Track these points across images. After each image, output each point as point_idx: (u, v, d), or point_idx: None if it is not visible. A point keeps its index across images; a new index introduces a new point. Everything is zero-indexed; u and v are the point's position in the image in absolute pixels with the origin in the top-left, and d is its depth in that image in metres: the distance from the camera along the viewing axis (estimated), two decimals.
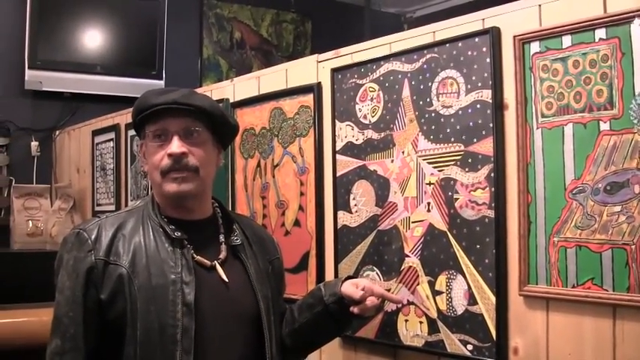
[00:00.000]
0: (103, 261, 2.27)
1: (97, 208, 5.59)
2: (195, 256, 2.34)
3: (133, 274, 2.26)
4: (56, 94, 6.17)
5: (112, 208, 5.29)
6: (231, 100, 3.89)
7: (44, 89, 6.09)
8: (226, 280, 2.34)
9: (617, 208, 2.22)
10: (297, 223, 3.41)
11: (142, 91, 6.13)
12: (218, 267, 2.36)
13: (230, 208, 3.75)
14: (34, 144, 6.20)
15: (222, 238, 2.44)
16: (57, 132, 6.25)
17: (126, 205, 5.08)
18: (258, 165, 3.66)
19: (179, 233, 2.34)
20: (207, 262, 2.35)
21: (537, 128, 2.42)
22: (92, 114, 5.81)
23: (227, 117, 2.45)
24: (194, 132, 2.34)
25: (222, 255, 2.40)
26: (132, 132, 4.99)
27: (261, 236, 2.64)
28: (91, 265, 2.26)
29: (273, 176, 3.56)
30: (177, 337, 2.21)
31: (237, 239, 2.45)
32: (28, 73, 6.03)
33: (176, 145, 2.29)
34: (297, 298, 3.29)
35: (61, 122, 6.24)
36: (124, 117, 5.15)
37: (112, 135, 5.33)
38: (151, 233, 2.34)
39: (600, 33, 2.27)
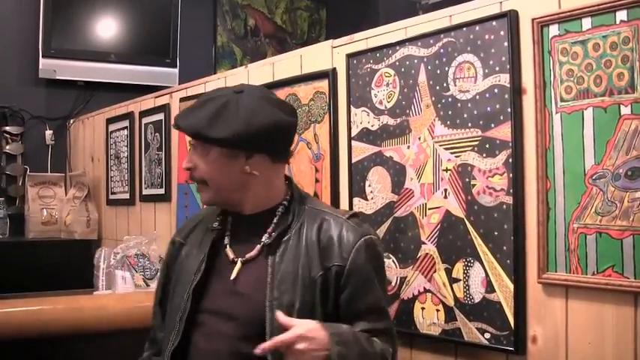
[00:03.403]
0: (179, 242, 2.58)
1: (112, 197, 5.58)
2: (227, 248, 2.42)
3: (180, 257, 2.53)
4: (70, 82, 6.14)
5: (127, 196, 5.28)
6: None
7: (58, 78, 6.05)
8: (232, 277, 2.35)
9: (639, 194, 2.17)
10: None
11: (156, 79, 6.21)
12: (238, 264, 2.36)
13: None
14: (49, 132, 6.18)
15: (264, 235, 2.38)
16: (71, 120, 6.23)
17: (140, 193, 5.09)
18: None
19: (217, 224, 2.46)
20: (231, 257, 2.39)
21: (556, 113, 2.38)
22: (106, 102, 5.79)
23: (205, 133, 2.28)
24: (197, 145, 2.38)
25: (253, 253, 2.37)
26: (146, 120, 4.97)
27: (330, 238, 2.32)
28: (171, 243, 2.62)
29: (288, 163, 3.51)
30: (177, 319, 2.37)
31: (268, 238, 2.36)
32: (42, 62, 6.00)
33: (185, 160, 2.43)
34: None
35: (75, 111, 6.22)
36: (138, 105, 5.13)
37: (126, 123, 5.31)
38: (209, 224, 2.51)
39: (621, 15, 2.22)
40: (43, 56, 5.98)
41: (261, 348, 2.09)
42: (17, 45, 6.05)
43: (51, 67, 6.00)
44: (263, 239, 2.36)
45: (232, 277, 2.34)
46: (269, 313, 2.24)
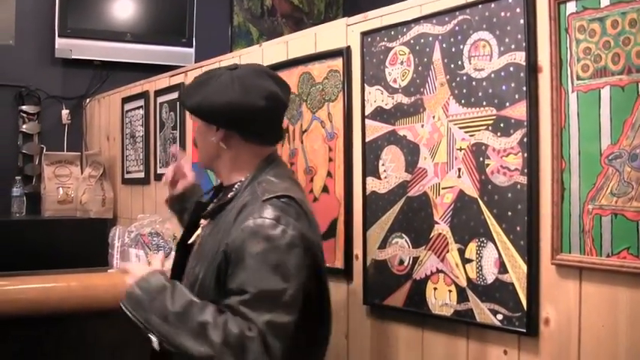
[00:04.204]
0: None
1: (127, 176, 5.58)
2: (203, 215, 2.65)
3: None
4: (86, 62, 6.14)
5: (142, 175, 5.28)
6: None
7: (74, 57, 6.05)
8: (190, 241, 2.65)
9: None
10: (325, 189, 3.35)
11: (172, 58, 6.21)
12: (199, 230, 2.62)
13: None
14: (65, 112, 6.18)
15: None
16: (87, 100, 6.23)
17: (155, 172, 5.10)
18: (287, 131, 3.60)
19: (207, 196, 2.78)
20: (201, 223, 2.64)
21: (572, 91, 2.33)
22: (122, 82, 5.78)
23: (183, 99, 2.67)
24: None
25: (204, 222, 2.61)
26: (161, 99, 4.95)
27: (238, 218, 2.37)
28: None
29: (302, 142, 3.50)
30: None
31: (209, 211, 2.60)
32: (58, 42, 6.00)
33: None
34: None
35: (92, 90, 6.21)
36: (153, 84, 5.12)
37: (141, 102, 5.30)
38: None
39: None
40: (59, 36, 5.98)
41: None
42: (33, 25, 6.05)
43: (67, 46, 6.00)
44: (209, 210, 2.60)
45: (190, 241, 2.65)
46: (185, 280, 2.50)
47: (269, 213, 2.31)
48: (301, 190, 2.63)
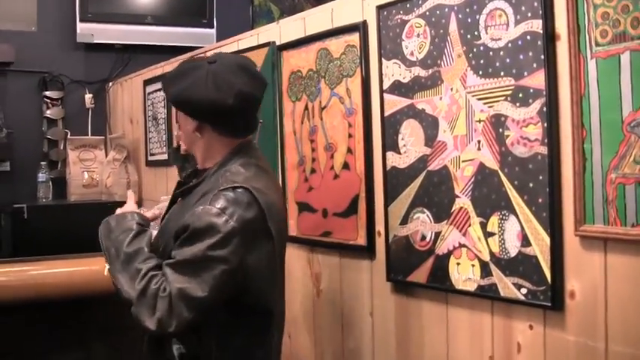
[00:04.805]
0: None
1: (151, 158, 5.57)
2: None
3: None
4: (108, 46, 6.16)
5: (165, 157, 5.27)
6: (278, 43, 3.80)
7: (96, 42, 6.08)
8: (163, 221, 2.88)
9: None
10: (346, 166, 3.31)
11: (193, 40, 6.18)
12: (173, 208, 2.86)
13: (279, 153, 3.69)
14: (88, 96, 6.20)
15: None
16: (110, 83, 6.23)
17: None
18: (306, 108, 3.57)
19: (190, 172, 2.91)
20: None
21: (591, 58, 2.27)
22: (144, 65, 5.77)
23: (165, 88, 2.87)
24: None
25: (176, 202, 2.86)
26: None
27: (199, 202, 2.58)
28: None
29: (321, 119, 3.46)
30: None
31: (180, 192, 2.83)
32: (80, 26, 6.02)
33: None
34: (347, 243, 3.25)
35: (114, 74, 6.22)
36: (174, 66, 5.07)
37: None
38: None
39: None
40: (80, 21, 6.01)
41: None
42: (55, 11, 6.08)
43: (88, 31, 6.03)
44: (178, 191, 2.84)
45: (163, 222, 2.87)
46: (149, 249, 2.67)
47: (219, 203, 2.51)
48: (268, 177, 2.80)
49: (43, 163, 5.82)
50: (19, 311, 3.92)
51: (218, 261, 2.46)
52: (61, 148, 6.05)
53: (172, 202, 2.89)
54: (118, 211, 2.79)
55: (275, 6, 7.22)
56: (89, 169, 5.85)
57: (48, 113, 6.02)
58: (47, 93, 6.02)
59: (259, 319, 2.67)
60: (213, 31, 6.37)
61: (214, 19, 6.41)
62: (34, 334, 4.01)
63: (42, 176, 5.76)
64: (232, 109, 2.62)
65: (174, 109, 5.03)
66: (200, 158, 2.79)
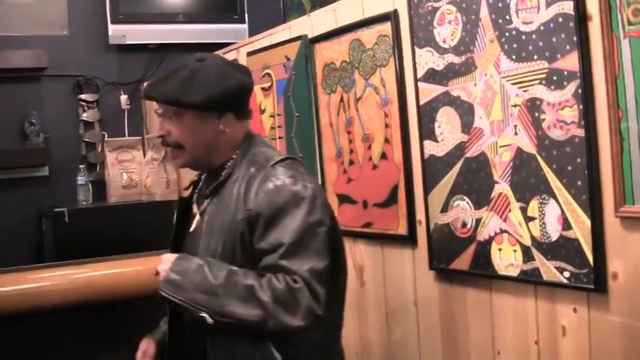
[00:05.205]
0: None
1: None
2: (194, 204, 2.72)
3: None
4: (140, 46, 6.15)
5: None
6: (310, 36, 3.80)
7: (128, 42, 6.07)
8: (191, 229, 2.66)
9: None
10: (384, 156, 3.32)
11: (225, 36, 6.16)
12: (197, 216, 2.66)
13: (317, 146, 3.70)
14: (123, 97, 6.20)
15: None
16: (144, 83, 6.23)
17: None
18: (342, 100, 3.58)
19: (189, 185, 2.80)
20: (194, 211, 2.69)
21: (624, 38, 2.25)
22: None
23: (183, 99, 2.50)
24: (169, 114, 2.57)
25: (205, 204, 2.63)
26: None
27: (250, 185, 2.48)
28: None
29: (357, 110, 3.47)
30: None
31: (211, 189, 2.59)
32: (112, 28, 6.01)
33: (158, 128, 2.62)
34: (388, 234, 3.25)
35: (148, 73, 6.22)
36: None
37: None
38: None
39: None
40: (112, 22, 5.98)
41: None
42: (86, 13, 6.08)
43: (120, 32, 6.01)
44: (207, 191, 2.62)
45: (191, 229, 2.66)
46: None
47: (284, 173, 2.46)
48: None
49: (81, 166, 5.83)
50: (64, 314, 3.95)
51: (317, 225, 2.40)
52: (99, 150, 6.06)
53: (184, 207, 2.75)
54: (162, 267, 2.45)
55: None
56: (128, 170, 5.87)
57: (84, 116, 6.03)
58: (82, 96, 6.02)
59: (343, 281, 2.64)
60: (245, 26, 6.36)
61: (245, 14, 6.41)
62: (83, 335, 4.05)
63: (81, 179, 5.78)
64: (252, 85, 2.68)
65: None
66: (218, 156, 2.61)
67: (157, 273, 2.45)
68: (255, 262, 2.40)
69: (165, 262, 2.45)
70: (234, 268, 2.38)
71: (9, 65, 5.69)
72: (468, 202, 2.86)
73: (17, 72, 5.77)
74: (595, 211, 2.38)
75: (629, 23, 2.23)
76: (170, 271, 2.41)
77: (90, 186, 5.80)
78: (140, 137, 6.13)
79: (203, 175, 2.74)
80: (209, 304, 2.33)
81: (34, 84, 5.92)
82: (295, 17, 6.87)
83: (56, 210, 5.23)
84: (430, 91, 3.01)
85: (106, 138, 6.02)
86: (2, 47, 5.70)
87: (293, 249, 2.34)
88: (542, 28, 2.52)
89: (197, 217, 2.64)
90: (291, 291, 2.29)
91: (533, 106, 2.56)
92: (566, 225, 2.47)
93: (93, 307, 4.00)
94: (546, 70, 2.51)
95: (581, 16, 2.39)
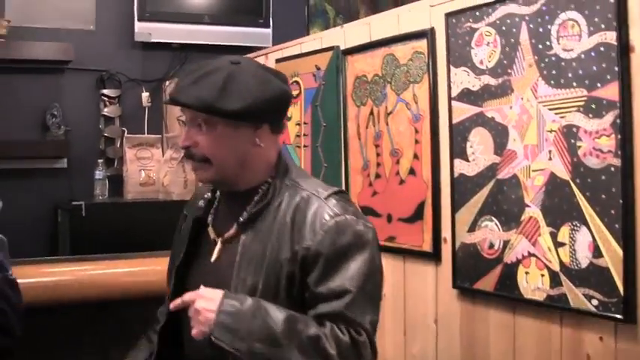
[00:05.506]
0: (184, 214, 2.59)
1: None
2: (210, 227, 2.41)
3: (181, 230, 2.55)
4: (165, 45, 6.18)
5: None
6: (342, 47, 3.82)
7: (153, 41, 6.11)
8: (213, 258, 2.34)
9: None
10: (412, 171, 3.33)
11: (249, 39, 6.20)
12: (218, 244, 2.35)
13: (343, 157, 3.71)
14: (145, 95, 6.22)
15: (244, 213, 2.33)
16: (167, 82, 6.25)
17: None
18: (371, 113, 3.59)
19: (202, 202, 2.47)
20: (212, 237, 2.39)
21: None
22: None
23: (219, 106, 2.17)
24: (198, 122, 2.25)
25: (232, 232, 2.33)
26: None
27: (302, 219, 2.21)
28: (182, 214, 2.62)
29: (387, 124, 3.48)
30: (165, 299, 2.46)
31: (245, 216, 2.30)
32: (138, 25, 6.05)
33: (182, 137, 2.31)
34: (412, 249, 3.26)
35: (171, 72, 6.25)
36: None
37: None
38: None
39: None
40: (138, 20, 6.02)
41: (173, 305, 2.18)
42: (113, 9, 6.12)
43: (146, 30, 6.05)
44: (241, 218, 2.31)
45: (213, 258, 2.34)
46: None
47: (342, 209, 2.22)
48: None
49: (99, 160, 5.86)
50: (79, 309, 3.97)
51: (377, 271, 2.23)
52: (118, 146, 6.09)
53: (191, 245, 2.44)
54: (207, 305, 2.09)
55: (330, 6, 7.24)
56: (146, 168, 5.89)
57: (105, 111, 6.06)
58: (105, 91, 6.05)
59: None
60: (269, 30, 6.38)
61: (270, 19, 6.44)
62: (102, 333, 4.06)
63: (99, 174, 5.80)
64: (291, 97, 2.44)
65: None
66: (250, 175, 2.32)
67: (197, 311, 2.10)
68: (305, 305, 2.17)
69: (208, 299, 2.10)
70: (292, 312, 2.10)
71: (35, 56, 5.73)
72: (496, 224, 2.88)
73: (42, 63, 5.81)
74: (628, 240, 2.39)
75: None
76: (221, 313, 2.07)
77: (107, 181, 5.82)
78: (160, 135, 6.15)
79: (217, 193, 2.47)
80: (269, 355, 2.05)
81: (57, 76, 5.96)
82: (319, 24, 6.92)
83: (74, 203, 5.25)
84: (464, 111, 3.03)
85: (125, 134, 6.05)
86: (29, 38, 5.74)
87: (357, 298, 2.12)
88: (582, 56, 2.54)
89: (219, 246, 2.35)
90: (355, 345, 2.09)
91: (570, 132, 2.58)
92: (597, 253, 2.48)
93: (111, 304, 4.02)
94: (585, 98, 2.53)
95: (624, 47, 2.41)
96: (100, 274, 4.11)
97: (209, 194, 2.47)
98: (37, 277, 3.86)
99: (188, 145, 2.26)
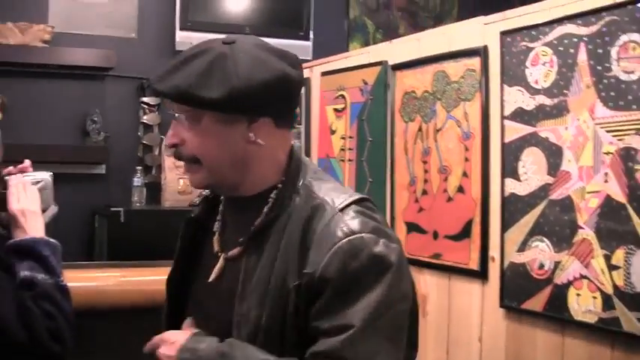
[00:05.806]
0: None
1: None
2: (215, 237, 2.02)
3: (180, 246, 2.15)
4: None
5: None
6: (390, 62, 3.81)
7: None
8: (211, 278, 1.96)
9: None
10: (460, 189, 3.32)
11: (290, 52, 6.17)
12: (221, 261, 1.97)
13: (389, 173, 3.70)
14: None
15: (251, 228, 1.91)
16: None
17: None
18: (420, 129, 3.58)
19: (197, 209, 2.12)
20: (215, 249, 2.00)
21: None
22: None
23: (196, 94, 1.76)
24: (183, 114, 1.85)
25: (236, 251, 1.93)
26: None
27: (311, 237, 1.79)
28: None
29: (436, 141, 3.48)
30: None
31: (249, 234, 1.91)
32: (179, 35, 6.11)
33: (168, 135, 1.91)
34: (458, 267, 3.25)
35: None
36: None
37: None
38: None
39: None
40: (180, 29, 6.10)
41: (145, 349, 1.93)
42: (155, 18, 6.21)
43: (187, 39, 6.08)
44: (245, 235, 1.91)
45: (211, 278, 1.96)
46: (235, 331, 1.85)
47: (360, 224, 1.78)
48: None
49: (138, 167, 5.91)
50: (117, 316, 3.97)
51: (400, 301, 1.76)
52: (156, 153, 6.13)
53: (187, 254, 2.11)
54: (166, 351, 1.86)
55: (370, 20, 7.25)
56: (184, 176, 5.92)
57: (145, 119, 6.10)
58: (145, 99, 6.10)
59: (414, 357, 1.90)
60: (310, 43, 6.42)
61: (310, 32, 6.47)
62: (133, 340, 4.06)
63: (137, 180, 5.85)
64: (301, 79, 1.93)
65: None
66: (253, 179, 1.91)
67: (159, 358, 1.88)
68: (307, 339, 1.75)
69: (170, 345, 1.86)
70: (271, 357, 1.74)
71: (77, 62, 5.79)
72: (547, 244, 2.86)
73: (84, 69, 5.87)
74: None
75: None
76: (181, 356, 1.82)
77: (145, 188, 5.88)
78: None
79: (222, 197, 2.06)
80: None
81: (99, 83, 6.04)
82: (359, 38, 6.95)
83: (113, 209, 5.28)
84: (517, 130, 3.02)
85: (164, 142, 6.07)
86: (72, 44, 5.80)
87: (362, 335, 1.68)
88: None
89: (220, 262, 1.97)
90: None
91: (627, 155, 2.56)
92: None
93: (144, 311, 4.02)
94: None
95: None
96: (137, 281, 4.12)
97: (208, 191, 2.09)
98: (74, 281, 3.87)
99: (174, 143, 1.89)
